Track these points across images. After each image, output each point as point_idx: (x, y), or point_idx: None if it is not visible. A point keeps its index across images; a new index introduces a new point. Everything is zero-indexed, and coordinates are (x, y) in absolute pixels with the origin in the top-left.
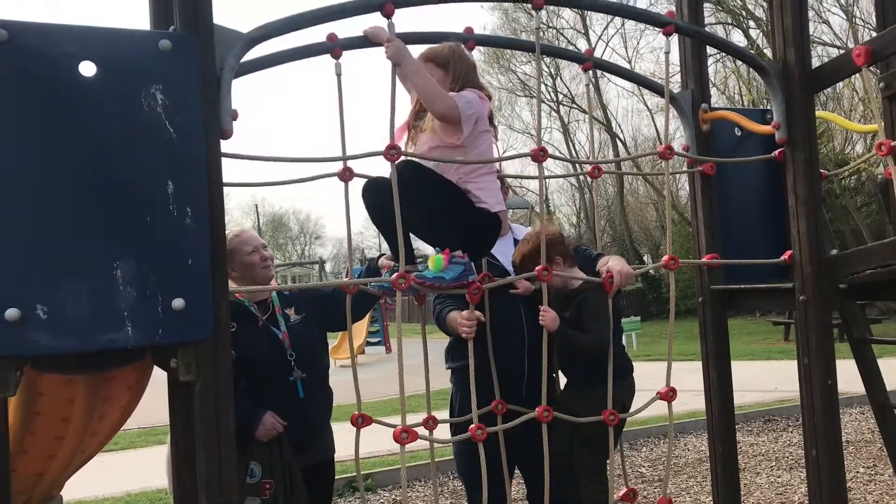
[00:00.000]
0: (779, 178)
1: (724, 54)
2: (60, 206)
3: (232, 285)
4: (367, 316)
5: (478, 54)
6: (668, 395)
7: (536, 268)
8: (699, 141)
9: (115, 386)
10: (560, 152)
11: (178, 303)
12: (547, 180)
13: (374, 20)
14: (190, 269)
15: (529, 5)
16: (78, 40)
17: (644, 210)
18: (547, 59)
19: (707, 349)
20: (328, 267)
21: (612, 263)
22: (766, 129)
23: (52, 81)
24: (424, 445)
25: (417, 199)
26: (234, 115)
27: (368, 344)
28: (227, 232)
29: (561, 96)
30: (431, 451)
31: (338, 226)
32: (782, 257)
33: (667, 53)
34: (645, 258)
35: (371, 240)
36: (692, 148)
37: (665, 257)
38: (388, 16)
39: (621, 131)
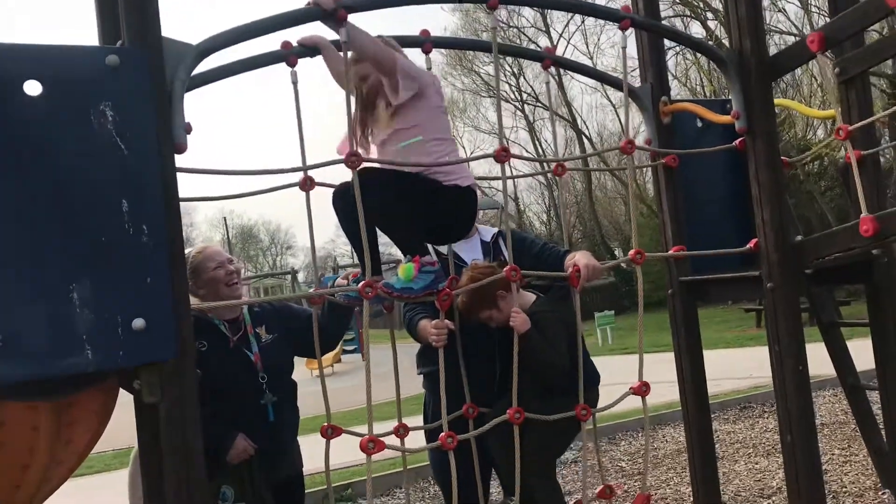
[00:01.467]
0: (742, 168)
1: (684, 47)
2: (11, 230)
3: (200, 303)
4: None
5: (440, 56)
6: (641, 389)
7: (504, 269)
8: (661, 134)
9: (79, 410)
10: (527, 151)
11: (137, 323)
12: (515, 179)
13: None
14: (149, 287)
15: (485, 5)
16: (21, 59)
17: (613, 204)
18: (509, 59)
19: (679, 340)
20: (300, 277)
21: (579, 258)
22: (726, 118)
23: None
24: (407, 452)
25: (386, 202)
26: (188, 129)
27: (345, 352)
28: (190, 249)
29: (525, 95)
30: (403, 461)
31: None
32: (748, 246)
33: (623, 48)
34: (616, 252)
35: (343, 247)
36: (654, 141)
37: (631, 252)
38: (342, 20)
39: (586, 127)
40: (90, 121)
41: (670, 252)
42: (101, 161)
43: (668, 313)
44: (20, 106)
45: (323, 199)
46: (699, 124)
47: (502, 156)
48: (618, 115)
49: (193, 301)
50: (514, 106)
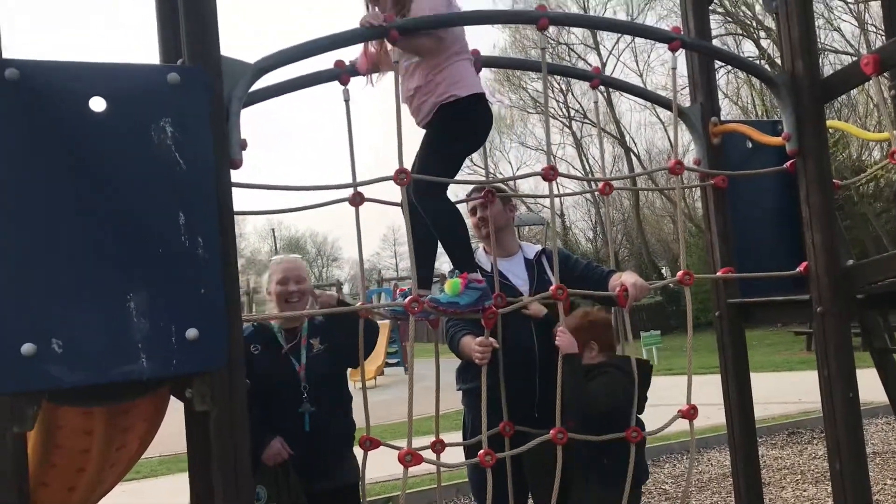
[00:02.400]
0: (791, 189)
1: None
2: (74, 240)
3: (270, 310)
4: (386, 336)
5: (488, 72)
6: (689, 412)
7: (551, 288)
8: (710, 154)
9: (132, 416)
10: (574, 168)
11: (191, 332)
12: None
13: None
14: (203, 298)
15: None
16: (87, 77)
17: (661, 223)
18: (558, 76)
19: (725, 363)
20: (345, 289)
21: (626, 277)
22: (777, 140)
23: (64, 118)
24: (443, 467)
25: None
26: (244, 145)
27: (387, 365)
28: (275, 257)
29: (573, 111)
30: (438, 476)
31: (355, 248)
32: (798, 269)
33: (673, 69)
34: (663, 271)
35: (387, 260)
36: (703, 161)
37: (680, 272)
38: (394, 41)
39: (635, 144)
40: (151, 136)
41: (719, 273)
42: (160, 175)
43: (715, 334)
44: (86, 122)
45: (369, 213)
46: (749, 145)
47: (550, 174)
48: (667, 133)
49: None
50: (562, 122)
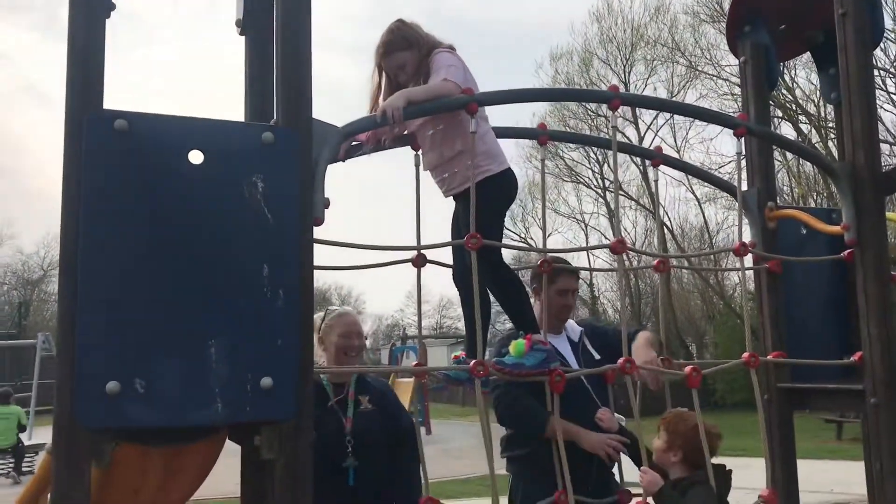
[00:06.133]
0: (844, 277)
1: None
2: (163, 285)
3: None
4: (409, 397)
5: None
6: (771, 497)
7: (619, 361)
8: (765, 238)
9: (186, 460)
10: (606, 238)
11: (266, 381)
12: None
13: None
14: (279, 349)
15: (608, 105)
16: (188, 131)
17: (689, 298)
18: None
19: (772, 448)
20: (368, 342)
21: (640, 350)
22: (835, 229)
23: (165, 167)
24: None
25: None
26: (327, 204)
27: None
28: (335, 309)
29: (607, 182)
30: None
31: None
32: (853, 358)
33: (739, 154)
34: (690, 347)
35: (410, 317)
36: (759, 245)
37: (746, 354)
38: (472, 114)
39: (669, 219)
40: (242, 190)
41: (770, 357)
42: (249, 228)
43: (742, 416)
44: (184, 173)
45: (395, 270)
46: (803, 231)
47: (619, 247)
48: (701, 210)
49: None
50: (596, 192)
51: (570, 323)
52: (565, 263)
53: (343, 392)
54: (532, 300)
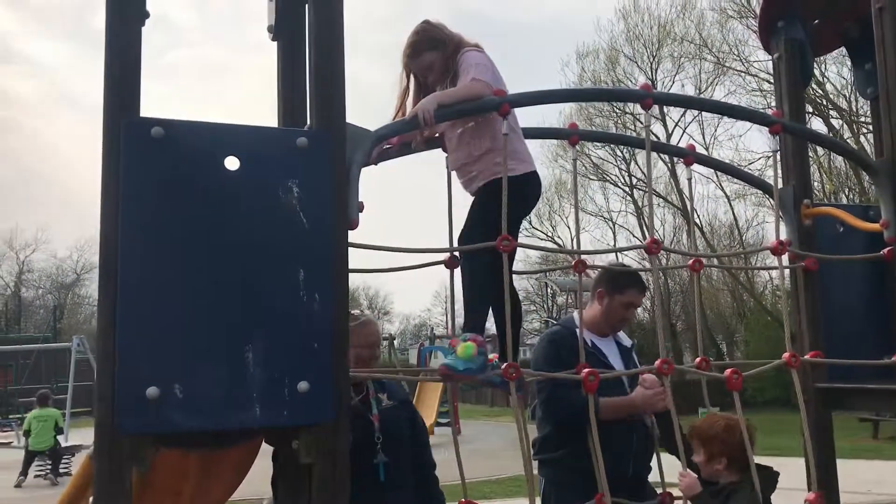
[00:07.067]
0: (881, 276)
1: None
2: (201, 290)
3: None
4: (438, 396)
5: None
6: (818, 501)
7: (656, 363)
8: (801, 236)
9: (224, 464)
10: (634, 236)
11: (303, 385)
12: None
13: None
14: (315, 352)
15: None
16: (224, 137)
17: (718, 295)
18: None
19: (811, 449)
20: (396, 343)
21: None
22: (874, 226)
23: (201, 174)
24: None
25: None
26: (361, 207)
27: (438, 424)
28: (358, 315)
29: (635, 180)
30: None
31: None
32: (893, 358)
33: (775, 151)
34: (721, 346)
35: (438, 317)
36: (794, 243)
37: (786, 354)
38: (504, 115)
39: (698, 217)
40: (278, 195)
41: (807, 357)
42: (284, 232)
43: (773, 415)
44: (220, 179)
45: (421, 271)
46: (840, 229)
47: (653, 248)
48: (731, 207)
49: None
50: (623, 191)
51: (623, 333)
52: (637, 276)
53: (363, 391)
54: (592, 303)
